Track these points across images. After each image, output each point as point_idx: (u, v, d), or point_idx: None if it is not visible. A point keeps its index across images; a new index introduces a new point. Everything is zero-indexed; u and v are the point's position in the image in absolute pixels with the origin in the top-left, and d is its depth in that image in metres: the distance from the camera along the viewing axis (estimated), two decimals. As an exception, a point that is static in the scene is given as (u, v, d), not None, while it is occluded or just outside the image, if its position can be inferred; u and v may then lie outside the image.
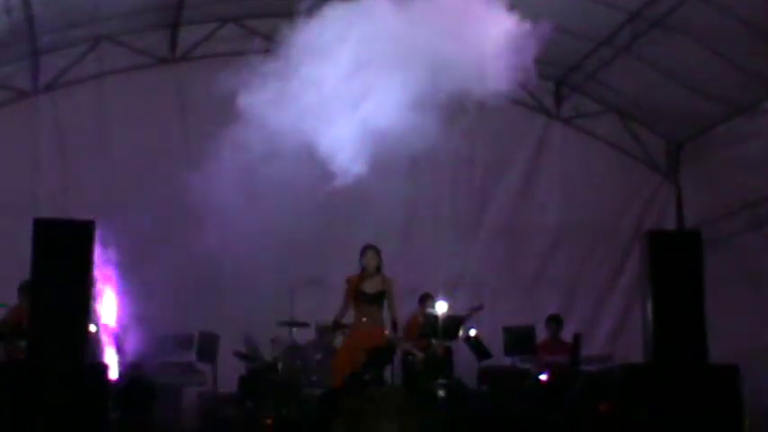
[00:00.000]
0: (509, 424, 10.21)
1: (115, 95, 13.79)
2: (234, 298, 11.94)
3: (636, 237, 12.99)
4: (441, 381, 10.96)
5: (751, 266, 13.12)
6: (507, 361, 12.55)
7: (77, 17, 12.91)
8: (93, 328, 10.38)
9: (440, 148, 11.53)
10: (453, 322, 11.54)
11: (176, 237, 12.62)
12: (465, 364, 12.46)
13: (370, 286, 10.74)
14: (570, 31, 12.44)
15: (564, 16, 11.04)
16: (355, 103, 10.04)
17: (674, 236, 12.02)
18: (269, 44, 11.13)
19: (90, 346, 9.92)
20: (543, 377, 12.10)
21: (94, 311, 10.70)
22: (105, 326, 11.21)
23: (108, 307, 11.21)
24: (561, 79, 15.04)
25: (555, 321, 13.43)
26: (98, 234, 9.60)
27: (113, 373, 10.23)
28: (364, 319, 10.62)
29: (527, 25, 9.39)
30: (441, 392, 10.80)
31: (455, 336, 11.76)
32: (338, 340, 12.13)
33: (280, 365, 11.48)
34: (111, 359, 11.00)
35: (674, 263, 9.76)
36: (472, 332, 12.17)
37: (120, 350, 11.45)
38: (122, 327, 11.63)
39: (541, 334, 13.21)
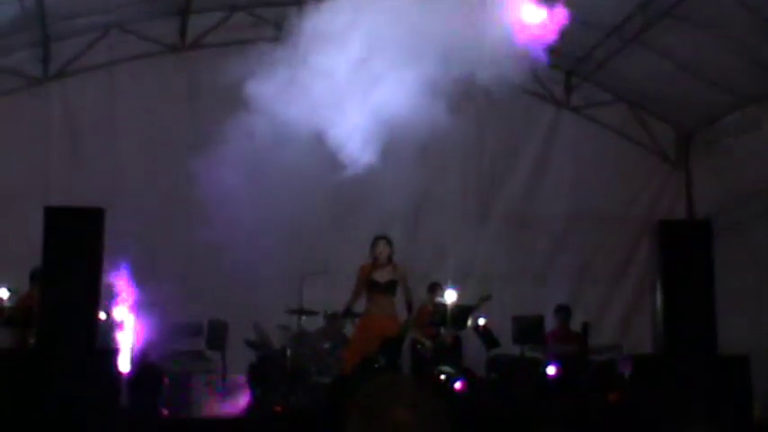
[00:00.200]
0: (518, 413, 10.23)
1: (125, 83, 13.82)
2: (242, 286, 11.94)
3: (646, 226, 12.93)
4: (446, 369, 10.95)
5: (761, 256, 13.08)
6: (516, 350, 12.54)
7: (88, 5, 12.93)
8: (102, 315, 10.40)
9: (449, 137, 11.56)
10: (462, 311, 11.55)
11: (185, 224, 12.65)
12: (474, 354, 12.46)
13: (382, 276, 10.76)
14: (581, 21, 12.39)
15: (575, 6, 11.00)
16: (365, 92, 10.04)
17: (685, 225, 12.00)
18: (278, 32, 11.13)
19: (100, 332, 9.95)
20: (552, 370, 12.04)
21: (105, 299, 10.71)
22: (115, 313, 11.22)
23: (118, 294, 11.21)
24: (571, 69, 15.01)
25: (564, 311, 13.43)
26: (108, 221, 9.63)
27: (123, 360, 10.24)
28: (376, 309, 10.65)
29: (541, 12, 9.37)
30: (443, 376, 10.79)
31: (464, 325, 11.76)
32: (347, 328, 12.17)
33: (289, 353, 11.50)
34: (120, 346, 11.02)
35: (684, 252, 9.74)
36: (481, 321, 12.16)
37: (129, 337, 11.47)
38: (132, 314, 11.66)
39: (550, 324, 13.20)
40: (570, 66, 14.92)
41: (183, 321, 12.07)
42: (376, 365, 10.28)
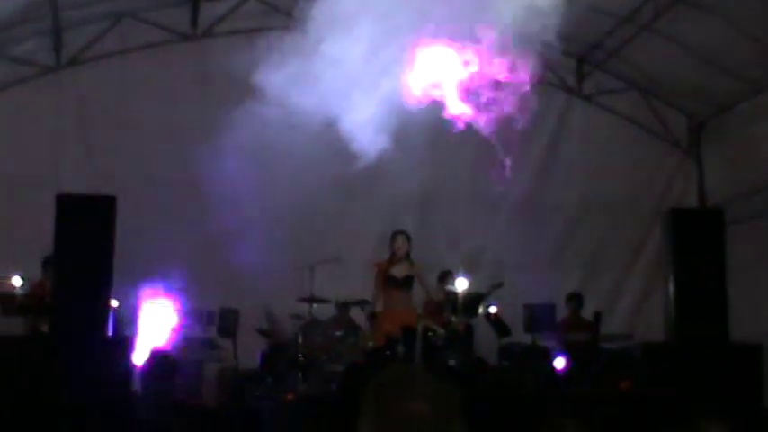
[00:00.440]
0: (529, 401, 10.22)
1: (137, 71, 13.82)
2: (253, 274, 11.96)
3: (657, 215, 12.91)
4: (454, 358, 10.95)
5: (773, 244, 13.06)
6: (527, 338, 12.53)
7: (100, -7, 12.95)
8: (114, 302, 10.43)
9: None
10: (473, 299, 11.54)
11: (196, 211, 12.69)
12: (486, 342, 12.46)
13: (399, 271, 10.81)
14: (593, 8, 12.35)
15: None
16: (377, 79, 10.02)
17: (696, 214, 11.99)
18: (290, 20, 11.11)
19: (112, 320, 9.99)
20: (560, 363, 11.98)
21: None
22: (128, 300, 11.26)
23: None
24: (583, 56, 14.97)
25: (575, 299, 13.42)
26: (119, 209, 9.67)
27: (136, 348, 10.29)
28: (394, 304, 10.70)
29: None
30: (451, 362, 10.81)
31: (475, 313, 11.76)
32: (359, 318, 12.22)
33: (300, 341, 11.52)
34: (133, 333, 11.06)
35: (695, 241, 9.74)
36: (492, 309, 12.16)
37: (141, 325, 11.52)
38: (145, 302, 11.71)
39: (562, 312, 13.19)
40: (582, 53, 14.88)
41: (194, 309, 12.09)
42: (387, 353, 10.30)
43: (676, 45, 13.18)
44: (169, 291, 11.45)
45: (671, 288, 9.67)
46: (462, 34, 9.47)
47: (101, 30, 13.74)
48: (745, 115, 13.66)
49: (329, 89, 9.91)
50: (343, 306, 12.50)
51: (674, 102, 15.14)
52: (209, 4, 14.03)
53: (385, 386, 2.69)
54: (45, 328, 10.22)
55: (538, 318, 12.69)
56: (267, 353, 11.87)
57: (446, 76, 9.74)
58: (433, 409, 2.62)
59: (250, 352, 12.15)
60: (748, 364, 9.35)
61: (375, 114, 10.00)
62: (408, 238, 11.11)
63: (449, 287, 11.80)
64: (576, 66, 15.18)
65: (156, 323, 11.28)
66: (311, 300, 11.92)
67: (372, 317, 11.41)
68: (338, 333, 11.79)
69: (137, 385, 10.08)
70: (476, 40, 9.41)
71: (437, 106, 10.01)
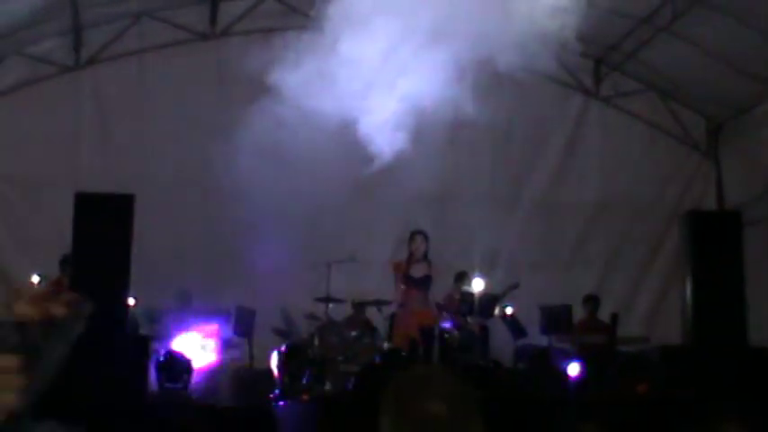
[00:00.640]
0: (546, 403, 10.18)
1: (155, 71, 13.88)
2: (269, 273, 11.99)
3: (675, 216, 12.86)
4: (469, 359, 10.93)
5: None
6: (543, 340, 12.49)
7: (119, -7, 12.99)
8: (132, 301, 10.47)
9: (477, 124, 11.53)
10: (489, 300, 11.53)
11: (214, 210, 12.72)
12: (501, 344, 12.44)
13: (418, 271, 10.81)
14: (610, 10, 12.32)
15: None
16: (393, 79, 10.02)
17: (714, 216, 11.94)
18: (308, 20, 11.11)
19: (130, 319, 10.01)
20: (574, 370, 11.88)
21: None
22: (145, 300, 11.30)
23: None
24: (601, 58, 14.93)
25: (592, 301, 13.37)
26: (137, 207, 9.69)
27: (152, 346, 10.32)
28: (412, 303, 10.70)
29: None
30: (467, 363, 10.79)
31: (491, 314, 11.74)
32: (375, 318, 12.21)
33: (316, 341, 11.51)
34: (150, 333, 11.09)
35: (713, 243, 9.69)
36: (508, 310, 12.13)
37: (158, 325, 11.55)
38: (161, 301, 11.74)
39: (578, 313, 13.14)
40: (600, 55, 14.84)
41: (210, 308, 12.11)
42: (403, 353, 10.29)
43: (694, 47, 13.14)
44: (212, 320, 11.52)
45: (688, 290, 9.63)
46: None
47: (120, 29, 13.79)
48: (764, 117, 13.60)
49: (346, 89, 9.92)
50: (360, 306, 12.48)
51: (691, 103, 15.08)
52: (227, 4, 14.07)
53: (403, 388, 2.68)
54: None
55: (554, 319, 12.65)
56: (283, 352, 11.86)
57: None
58: (451, 409, 2.62)
59: (266, 351, 12.15)
60: (767, 366, 9.30)
61: (391, 114, 10.00)
62: (426, 238, 11.12)
63: (465, 288, 11.78)
64: (593, 67, 15.14)
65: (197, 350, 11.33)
66: (327, 299, 11.91)
67: (392, 317, 11.40)
68: (354, 333, 11.78)
69: (153, 385, 10.10)
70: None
71: (454, 106, 10.00)
